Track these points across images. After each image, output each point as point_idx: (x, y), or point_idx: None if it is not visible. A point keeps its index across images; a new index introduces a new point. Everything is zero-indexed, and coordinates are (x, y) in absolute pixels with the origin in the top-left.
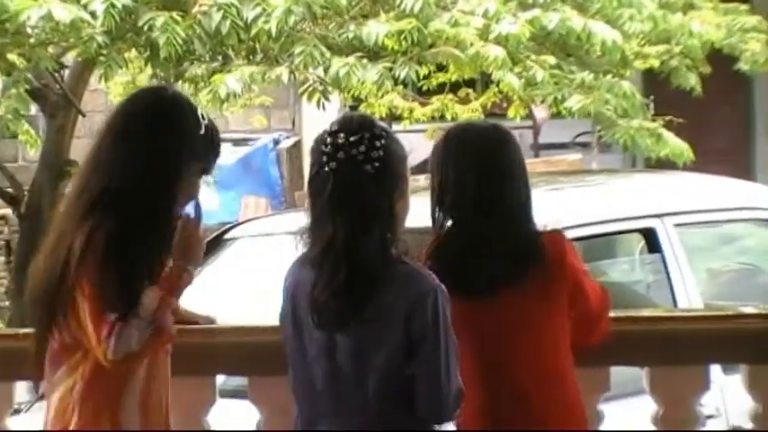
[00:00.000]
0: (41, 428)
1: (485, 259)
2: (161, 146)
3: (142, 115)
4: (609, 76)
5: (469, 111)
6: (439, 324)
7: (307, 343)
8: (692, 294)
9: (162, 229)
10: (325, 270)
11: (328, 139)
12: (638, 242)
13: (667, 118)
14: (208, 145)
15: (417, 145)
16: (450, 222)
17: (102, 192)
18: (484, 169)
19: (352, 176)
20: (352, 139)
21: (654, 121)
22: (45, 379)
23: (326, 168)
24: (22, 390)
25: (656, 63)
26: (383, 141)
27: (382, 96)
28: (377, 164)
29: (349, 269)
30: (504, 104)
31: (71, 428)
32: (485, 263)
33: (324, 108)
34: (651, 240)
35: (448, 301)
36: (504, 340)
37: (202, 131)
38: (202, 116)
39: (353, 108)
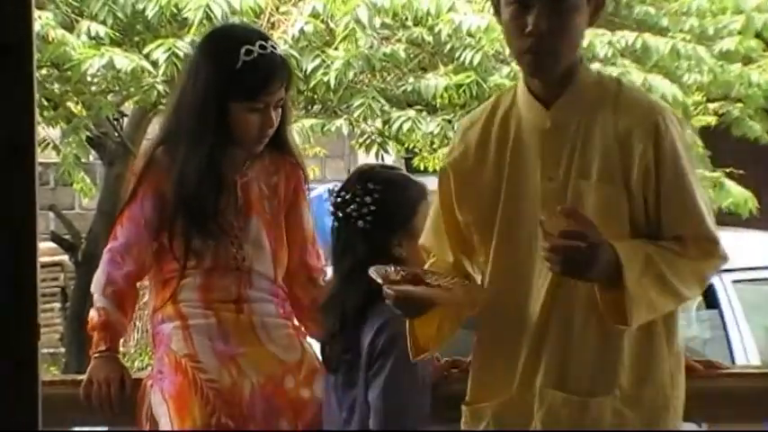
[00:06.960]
0: None
1: None
2: (194, 86)
3: (191, 56)
4: None
5: None
6: (390, 355)
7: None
8: (749, 351)
9: (201, 180)
10: (326, 319)
11: (332, 198)
12: (696, 298)
13: (728, 170)
14: (245, 81)
15: None
16: None
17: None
18: None
19: (347, 233)
20: (347, 197)
21: (714, 172)
22: None
23: (333, 225)
24: None
25: (713, 121)
26: (375, 195)
27: (436, 150)
28: (369, 218)
29: (339, 320)
30: None
31: None
32: None
33: (383, 159)
34: (709, 296)
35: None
36: None
37: (239, 65)
38: (248, 50)
39: (407, 160)
